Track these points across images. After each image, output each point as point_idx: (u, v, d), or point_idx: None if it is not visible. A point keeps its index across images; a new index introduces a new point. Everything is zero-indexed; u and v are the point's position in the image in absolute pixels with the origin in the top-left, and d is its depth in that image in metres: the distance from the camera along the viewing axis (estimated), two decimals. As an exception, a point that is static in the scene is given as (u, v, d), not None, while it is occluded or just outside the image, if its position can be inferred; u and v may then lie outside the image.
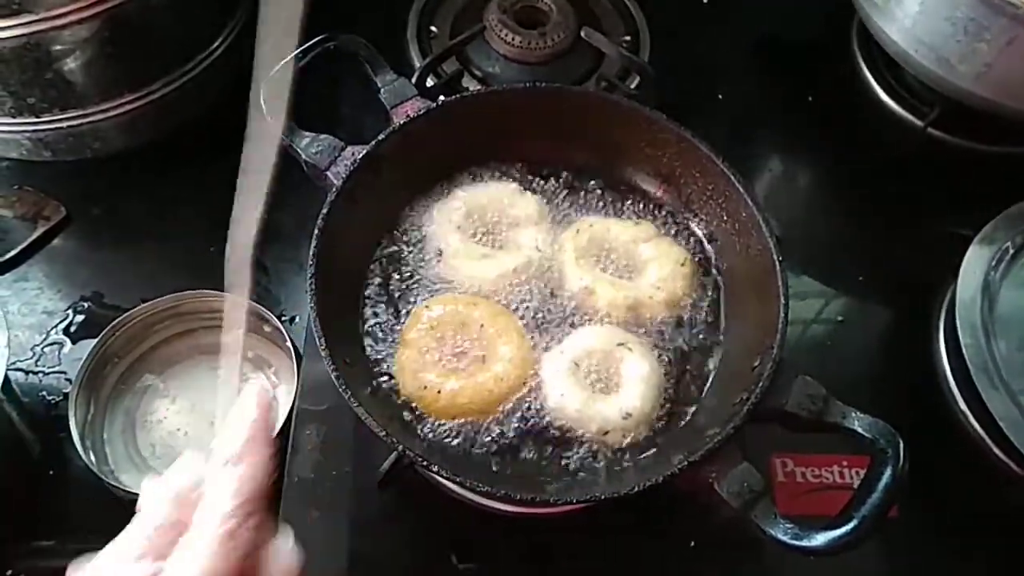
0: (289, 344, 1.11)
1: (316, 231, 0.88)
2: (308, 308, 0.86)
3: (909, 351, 1.21)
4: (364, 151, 0.94)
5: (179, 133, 1.27)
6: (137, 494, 1.01)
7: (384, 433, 0.78)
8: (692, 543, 1.01)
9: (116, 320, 1.13)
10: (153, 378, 1.17)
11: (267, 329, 1.16)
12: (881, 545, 1.05)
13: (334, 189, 0.92)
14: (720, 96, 1.45)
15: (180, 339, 1.19)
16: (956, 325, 1.10)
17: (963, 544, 1.10)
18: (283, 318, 1.20)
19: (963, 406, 1.12)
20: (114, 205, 1.31)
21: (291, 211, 1.27)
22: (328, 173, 0.94)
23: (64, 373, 1.18)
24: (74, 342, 1.20)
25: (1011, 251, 1.17)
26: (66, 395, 1.11)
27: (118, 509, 1.05)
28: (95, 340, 1.12)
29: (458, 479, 0.77)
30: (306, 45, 1.00)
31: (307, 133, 0.97)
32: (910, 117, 1.37)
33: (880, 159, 1.39)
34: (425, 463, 0.77)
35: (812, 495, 1.06)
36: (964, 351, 1.07)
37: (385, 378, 0.92)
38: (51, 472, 1.10)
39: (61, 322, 1.22)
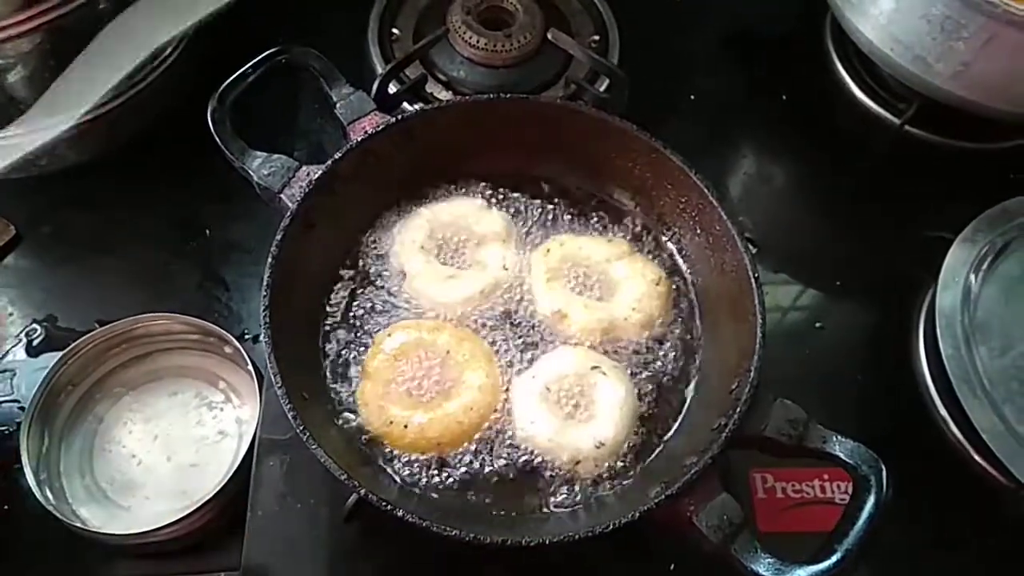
0: (250, 367, 1.07)
1: (269, 259, 0.84)
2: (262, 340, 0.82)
3: (889, 358, 1.19)
4: (319, 171, 0.90)
5: (131, 146, 1.22)
6: (95, 531, 0.99)
7: (346, 476, 0.74)
8: (672, 566, 0.99)
9: (69, 347, 1.08)
10: (109, 405, 1.12)
11: (227, 350, 1.11)
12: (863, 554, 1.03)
13: (288, 213, 0.88)
14: (692, 97, 1.41)
15: (136, 363, 1.14)
16: (936, 333, 1.08)
17: (945, 553, 1.08)
18: (245, 336, 1.16)
19: (944, 414, 1.10)
20: (65, 222, 1.26)
21: (252, 223, 1.24)
22: (282, 196, 0.90)
23: (17, 402, 1.12)
24: (27, 369, 1.15)
25: (991, 254, 1.15)
26: (19, 425, 1.05)
27: (77, 545, 1.01)
28: (48, 368, 1.07)
29: (424, 523, 0.74)
30: (256, 59, 0.96)
31: (259, 153, 0.93)
32: (886, 114, 1.34)
33: (856, 157, 1.36)
34: (389, 507, 0.74)
35: (794, 511, 1.03)
36: (945, 362, 1.05)
37: (348, 412, 0.88)
38: (6, 507, 1.06)
39: (13, 348, 1.17)
